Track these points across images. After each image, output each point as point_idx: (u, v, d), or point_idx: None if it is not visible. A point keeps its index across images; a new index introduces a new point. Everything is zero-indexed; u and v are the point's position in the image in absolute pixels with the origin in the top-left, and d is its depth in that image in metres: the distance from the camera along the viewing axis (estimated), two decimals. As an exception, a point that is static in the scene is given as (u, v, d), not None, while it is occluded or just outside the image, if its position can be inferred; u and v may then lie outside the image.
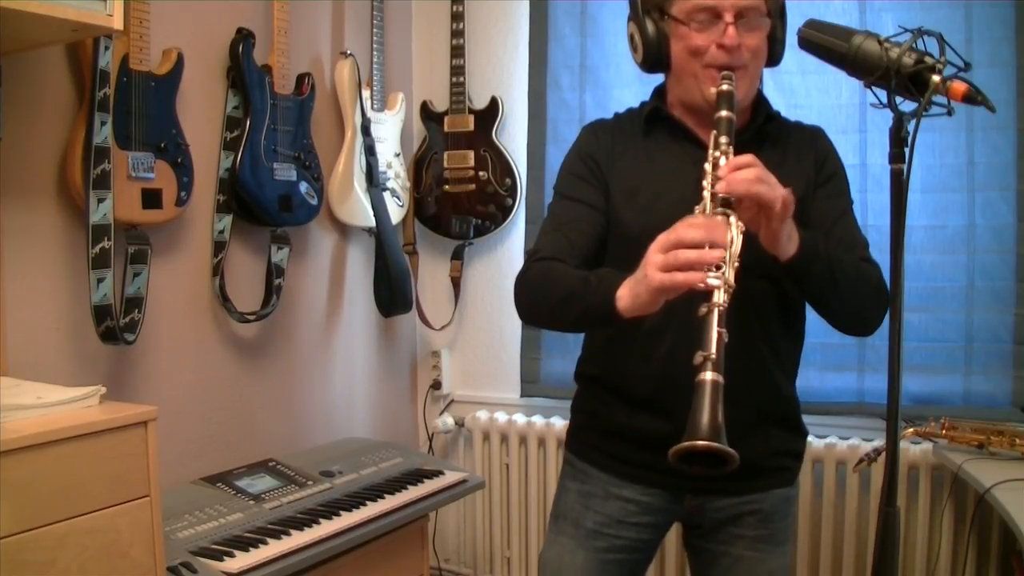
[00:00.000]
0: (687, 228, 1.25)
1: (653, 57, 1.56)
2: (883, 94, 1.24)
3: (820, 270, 1.41)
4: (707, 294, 1.21)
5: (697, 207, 1.33)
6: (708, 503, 1.59)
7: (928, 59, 1.20)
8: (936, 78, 1.17)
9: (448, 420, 3.08)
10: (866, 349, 2.48)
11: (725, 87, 1.43)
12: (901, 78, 1.21)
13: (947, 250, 2.41)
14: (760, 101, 1.60)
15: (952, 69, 1.19)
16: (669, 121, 1.60)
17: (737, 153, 1.36)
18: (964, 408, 2.37)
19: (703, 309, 1.20)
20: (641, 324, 1.47)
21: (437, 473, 2.43)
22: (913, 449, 2.39)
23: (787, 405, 1.63)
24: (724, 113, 1.40)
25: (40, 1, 1.49)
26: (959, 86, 1.17)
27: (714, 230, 1.25)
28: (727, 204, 1.29)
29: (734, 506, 1.59)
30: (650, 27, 1.54)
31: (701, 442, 1.12)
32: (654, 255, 1.26)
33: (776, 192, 1.29)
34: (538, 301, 1.53)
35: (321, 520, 2.03)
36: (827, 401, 2.49)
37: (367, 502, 2.17)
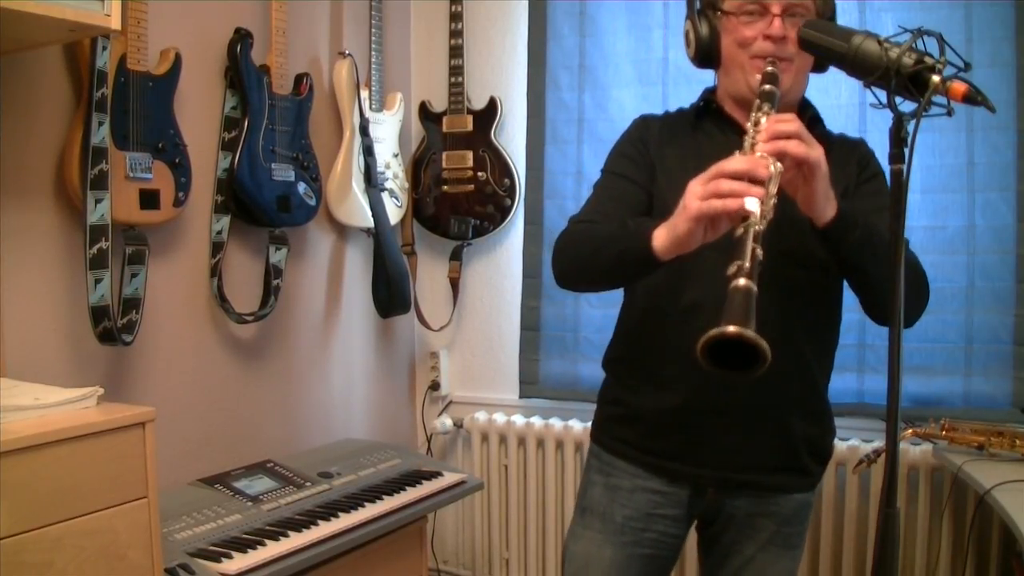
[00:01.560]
0: (728, 161, 1.27)
1: (704, 52, 1.61)
2: (883, 94, 1.23)
3: (858, 237, 1.39)
4: (743, 219, 1.21)
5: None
6: (729, 500, 1.61)
7: (928, 59, 1.19)
8: (936, 78, 1.16)
9: (446, 421, 3.07)
10: (866, 350, 2.47)
11: (769, 68, 1.47)
12: (901, 78, 1.20)
13: (947, 251, 2.40)
14: (805, 106, 1.63)
15: (952, 69, 1.19)
16: (718, 114, 1.63)
17: None
18: (964, 409, 2.37)
19: (739, 230, 1.20)
20: (678, 300, 1.51)
21: (435, 474, 2.43)
22: (913, 450, 2.38)
23: (820, 401, 1.65)
24: (767, 87, 1.43)
25: (38, 1, 1.49)
26: (959, 86, 1.16)
27: (755, 164, 1.26)
28: None
29: (753, 505, 1.61)
30: (704, 25, 1.60)
31: (732, 328, 1.07)
32: (694, 187, 1.28)
33: (814, 151, 1.31)
34: (576, 248, 1.56)
35: (319, 521, 2.03)
36: (827, 402, 2.48)
37: (365, 503, 2.17)
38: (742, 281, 1.13)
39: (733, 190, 1.23)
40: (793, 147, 1.29)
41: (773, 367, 1.21)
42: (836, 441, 2.43)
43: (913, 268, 1.49)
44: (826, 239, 1.40)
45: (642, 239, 1.36)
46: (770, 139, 1.30)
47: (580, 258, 1.55)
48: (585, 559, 1.67)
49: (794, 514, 1.64)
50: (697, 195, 1.26)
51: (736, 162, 1.27)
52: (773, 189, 1.24)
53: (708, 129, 1.63)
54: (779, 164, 1.27)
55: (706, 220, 1.27)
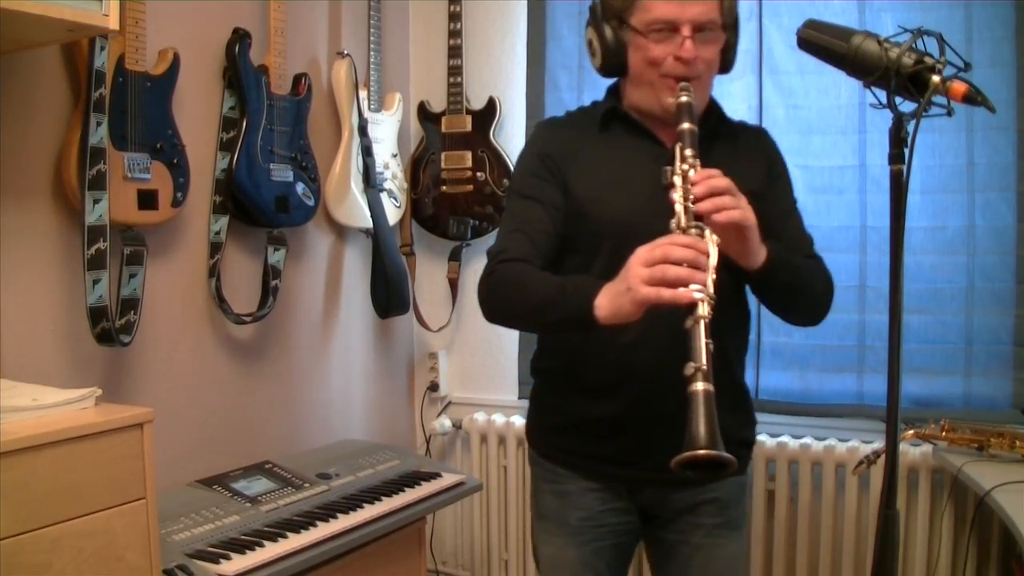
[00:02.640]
0: (673, 246, 1.28)
1: (611, 64, 1.59)
2: (883, 94, 1.23)
3: (785, 278, 1.49)
4: (690, 307, 1.25)
5: (672, 220, 1.35)
6: (669, 494, 1.64)
7: (928, 59, 1.20)
8: (936, 78, 1.17)
9: (445, 422, 3.07)
10: (865, 351, 2.46)
11: (684, 98, 1.47)
12: (901, 78, 1.20)
13: (947, 251, 2.40)
14: (710, 104, 1.64)
15: (952, 69, 1.19)
16: (626, 119, 1.62)
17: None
18: (964, 410, 2.36)
19: (689, 322, 1.24)
20: None
21: (434, 475, 2.43)
22: (913, 451, 2.38)
23: (742, 394, 1.69)
24: (687, 126, 1.44)
25: (36, 1, 1.48)
26: (959, 86, 1.16)
27: (698, 251, 1.28)
28: (700, 217, 1.34)
29: (693, 495, 1.63)
30: (609, 34, 1.57)
31: (702, 451, 1.16)
32: (639, 268, 1.28)
33: (749, 213, 1.36)
34: (511, 305, 1.56)
35: (318, 522, 2.02)
36: (826, 403, 2.48)
37: (364, 504, 2.16)
38: (701, 386, 1.20)
39: (679, 277, 1.25)
40: (730, 216, 1.33)
41: None
42: (836, 442, 2.47)
43: (826, 281, 1.60)
44: (758, 283, 1.50)
45: (584, 308, 1.36)
46: (704, 198, 1.33)
47: (515, 315, 1.58)
48: (553, 562, 1.71)
49: (733, 496, 1.67)
50: (642, 278, 1.27)
51: (682, 249, 1.27)
52: (714, 262, 1.28)
53: (617, 133, 1.62)
54: (716, 237, 1.31)
55: (653, 304, 1.28)
